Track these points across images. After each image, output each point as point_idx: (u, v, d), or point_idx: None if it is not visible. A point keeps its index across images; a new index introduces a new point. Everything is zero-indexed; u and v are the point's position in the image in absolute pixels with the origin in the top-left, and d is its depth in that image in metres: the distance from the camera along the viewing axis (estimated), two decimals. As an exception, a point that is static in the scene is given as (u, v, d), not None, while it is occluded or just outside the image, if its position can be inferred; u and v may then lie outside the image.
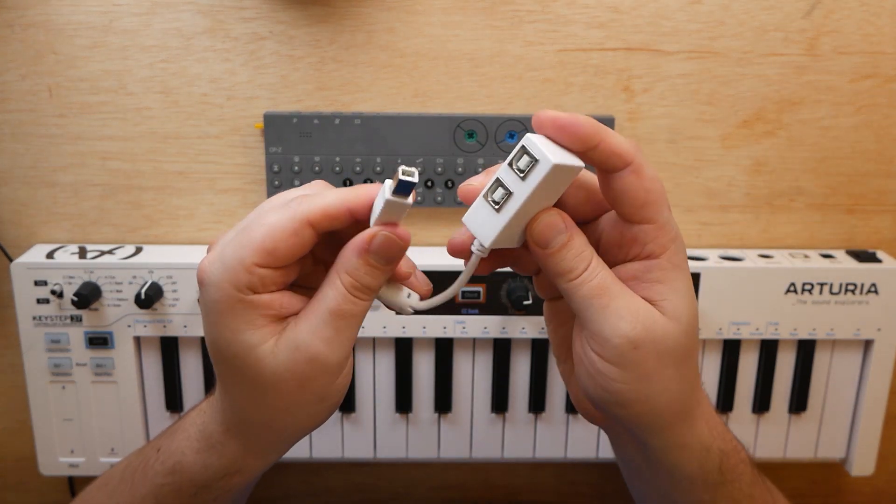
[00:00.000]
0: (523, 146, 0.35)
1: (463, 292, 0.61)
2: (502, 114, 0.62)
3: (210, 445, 0.41)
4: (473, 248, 0.37)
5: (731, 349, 0.64)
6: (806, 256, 0.64)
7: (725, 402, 0.65)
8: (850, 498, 0.76)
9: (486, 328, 0.62)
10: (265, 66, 0.61)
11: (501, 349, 0.64)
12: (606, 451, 0.67)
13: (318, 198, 0.36)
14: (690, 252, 0.65)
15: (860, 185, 0.66)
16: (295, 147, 0.61)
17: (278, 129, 0.61)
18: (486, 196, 0.36)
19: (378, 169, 0.62)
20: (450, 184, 0.63)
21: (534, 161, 0.35)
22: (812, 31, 0.62)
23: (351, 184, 0.62)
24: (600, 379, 0.38)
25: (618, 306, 0.37)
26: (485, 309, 0.62)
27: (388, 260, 0.36)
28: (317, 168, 0.62)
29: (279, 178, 0.62)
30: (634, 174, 0.37)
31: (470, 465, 0.72)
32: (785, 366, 0.65)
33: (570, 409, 0.65)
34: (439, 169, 0.62)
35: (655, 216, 0.37)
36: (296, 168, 0.62)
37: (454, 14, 0.60)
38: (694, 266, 0.62)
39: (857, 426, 0.66)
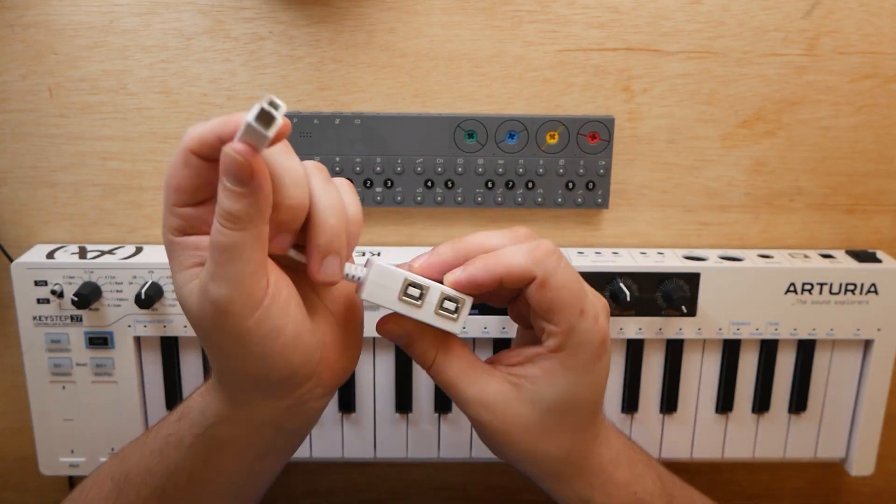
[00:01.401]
0: (462, 302, 0.40)
1: (463, 292, 0.61)
2: (502, 114, 0.62)
3: (208, 388, 0.43)
4: (355, 275, 0.40)
5: (731, 349, 0.64)
6: (806, 256, 0.64)
7: (725, 402, 0.65)
8: (850, 498, 0.76)
9: (485, 328, 0.62)
10: (265, 67, 0.61)
11: (501, 349, 0.64)
12: (606, 451, 0.67)
13: (197, 126, 0.36)
14: (690, 252, 0.65)
15: (860, 185, 0.66)
16: (295, 147, 0.61)
17: None
18: (407, 281, 0.40)
19: (378, 169, 0.62)
20: (450, 184, 0.63)
21: (453, 318, 0.40)
22: (812, 32, 0.62)
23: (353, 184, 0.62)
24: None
25: (465, 396, 0.42)
26: (485, 309, 0.62)
27: (239, 181, 0.34)
28: None
29: None
30: (538, 288, 0.40)
31: (470, 465, 0.72)
32: (785, 366, 0.65)
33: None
34: (439, 169, 0.62)
35: (559, 322, 0.41)
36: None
37: (454, 14, 0.60)
38: (694, 266, 0.62)
39: (856, 426, 0.66)
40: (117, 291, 0.60)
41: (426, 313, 0.40)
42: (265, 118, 0.33)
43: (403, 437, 0.66)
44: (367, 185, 0.62)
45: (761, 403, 0.66)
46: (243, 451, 0.44)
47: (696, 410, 0.66)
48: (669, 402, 0.65)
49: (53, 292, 0.60)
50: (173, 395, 0.64)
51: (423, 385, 0.64)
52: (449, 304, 0.40)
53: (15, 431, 0.69)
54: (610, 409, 0.66)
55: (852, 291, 0.63)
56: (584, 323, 0.41)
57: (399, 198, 0.63)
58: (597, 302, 0.42)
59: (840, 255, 0.65)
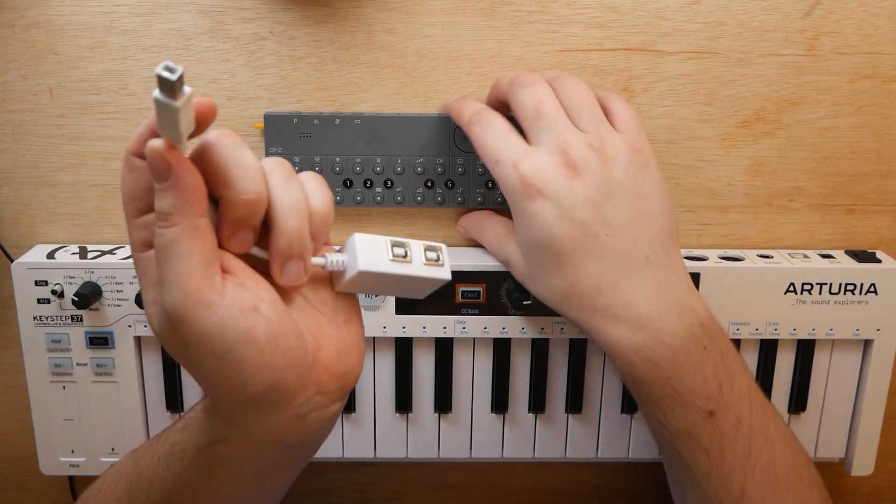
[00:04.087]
0: (440, 248, 0.43)
1: (463, 292, 0.61)
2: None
3: (206, 405, 0.42)
4: (333, 262, 0.40)
5: (730, 349, 0.65)
6: (805, 256, 0.64)
7: (725, 401, 0.65)
8: (850, 498, 0.76)
9: (486, 328, 0.62)
10: (265, 67, 0.61)
11: (501, 349, 0.64)
12: (606, 451, 0.67)
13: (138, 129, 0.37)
14: (690, 252, 0.65)
15: (859, 185, 0.66)
16: (295, 147, 0.61)
17: (278, 129, 0.61)
18: (391, 242, 0.41)
19: (378, 169, 0.62)
20: (450, 184, 0.63)
21: (440, 264, 0.42)
22: (811, 32, 0.62)
23: (351, 184, 0.62)
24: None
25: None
26: (485, 309, 0.62)
27: (158, 175, 0.34)
28: (317, 168, 0.62)
29: None
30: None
31: (470, 465, 0.72)
32: (784, 366, 0.65)
33: (571, 408, 0.65)
34: (440, 169, 0.62)
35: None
36: (296, 168, 0.62)
37: (454, 14, 0.60)
38: (694, 266, 0.62)
39: (856, 426, 0.66)
40: (118, 291, 0.60)
41: (417, 266, 0.42)
42: (166, 87, 0.32)
43: (403, 437, 0.66)
44: (368, 185, 0.63)
45: (761, 403, 0.66)
46: (245, 469, 0.42)
47: (695, 410, 0.66)
48: (669, 402, 0.65)
49: (54, 292, 0.60)
50: (173, 395, 0.64)
51: (423, 385, 0.65)
52: (431, 254, 0.42)
53: (15, 431, 0.69)
54: (609, 409, 0.66)
55: (852, 291, 0.63)
56: (498, 170, 0.51)
57: (399, 198, 0.63)
58: (520, 150, 0.51)
59: (840, 255, 0.65)
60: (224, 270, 0.36)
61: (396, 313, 0.62)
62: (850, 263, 0.63)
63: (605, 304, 0.49)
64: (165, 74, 0.31)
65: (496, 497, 0.75)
